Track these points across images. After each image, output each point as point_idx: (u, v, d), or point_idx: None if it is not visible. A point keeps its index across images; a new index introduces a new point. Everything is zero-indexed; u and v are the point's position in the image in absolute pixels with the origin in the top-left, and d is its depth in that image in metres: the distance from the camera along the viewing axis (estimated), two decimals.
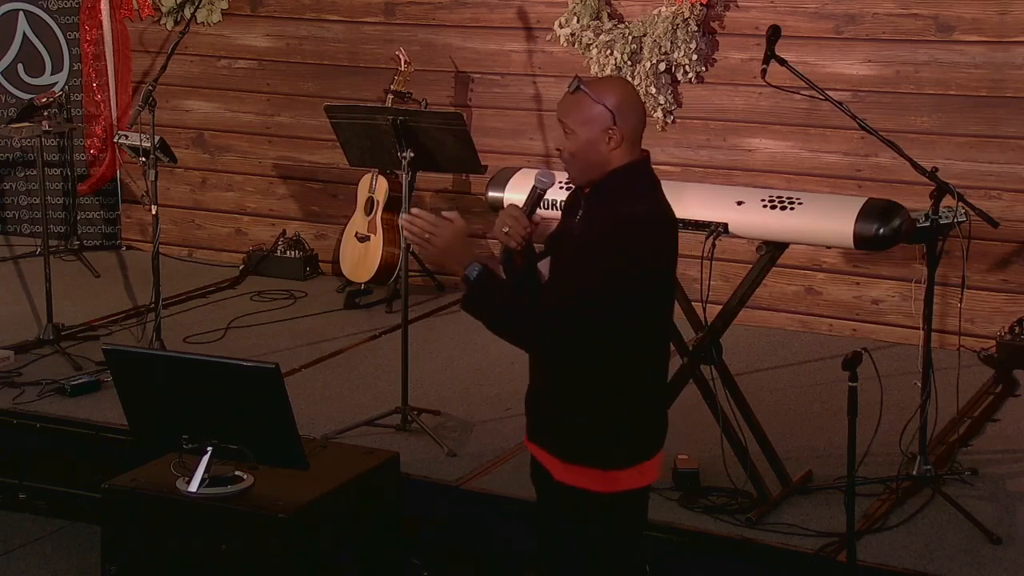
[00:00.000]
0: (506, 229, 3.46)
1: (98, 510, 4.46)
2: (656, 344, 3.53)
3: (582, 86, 3.40)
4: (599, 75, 6.87)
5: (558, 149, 3.45)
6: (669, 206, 3.52)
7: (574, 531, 3.55)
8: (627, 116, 3.42)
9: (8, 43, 8.42)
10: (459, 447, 5.36)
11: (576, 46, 6.97)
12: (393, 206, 7.14)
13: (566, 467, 3.48)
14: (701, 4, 6.65)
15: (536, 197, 3.52)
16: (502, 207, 5.25)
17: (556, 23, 7.02)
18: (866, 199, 4.62)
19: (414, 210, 3.42)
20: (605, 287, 3.29)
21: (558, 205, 4.45)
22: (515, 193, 5.15)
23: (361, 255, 7.30)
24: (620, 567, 3.56)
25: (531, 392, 3.59)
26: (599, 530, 3.52)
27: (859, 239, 4.51)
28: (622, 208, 3.37)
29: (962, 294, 5.66)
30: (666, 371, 3.61)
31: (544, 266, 3.56)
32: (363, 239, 7.29)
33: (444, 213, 3.42)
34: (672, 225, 3.50)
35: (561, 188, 4.32)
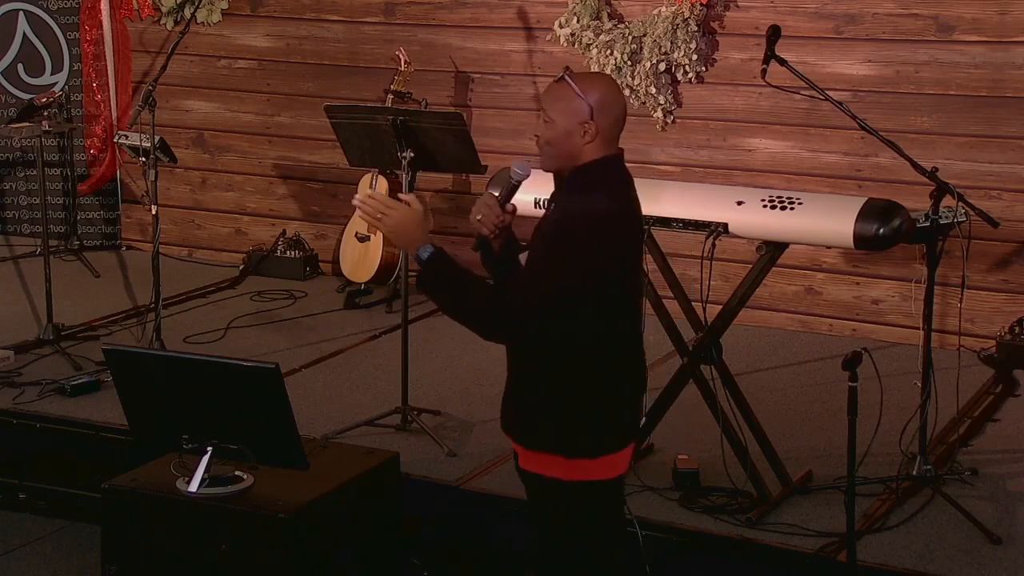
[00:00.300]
0: (479, 217, 3.55)
1: (98, 510, 4.46)
2: (619, 336, 3.56)
3: (567, 77, 3.49)
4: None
5: (535, 136, 3.53)
6: (637, 204, 3.58)
7: (540, 518, 3.63)
8: (605, 113, 3.48)
9: (8, 43, 8.42)
10: (459, 447, 5.36)
11: (576, 46, 6.97)
12: None
13: (529, 454, 3.56)
14: (701, 4, 6.65)
15: (511, 187, 3.58)
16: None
17: (556, 23, 7.02)
18: (866, 199, 4.62)
19: (369, 191, 3.50)
20: (556, 276, 3.38)
21: (541, 204, 4.48)
22: (515, 193, 5.15)
23: (361, 255, 7.30)
24: (592, 558, 3.61)
25: (509, 379, 3.65)
26: (565, 518, 3.58)
27: (859, 239, 4.51)
28: (584, 202, 3.45)
29: (962, 294, 5.66)
30: (636, 364, 3.63)
31: (524, 258, 3.60)
32: (363, 239, 7.29)
33: (401, 196, 3.52)
34: (635, 222, 3.57)
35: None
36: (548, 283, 3.39)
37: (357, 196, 3.51)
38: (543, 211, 3.67)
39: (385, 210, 3.46)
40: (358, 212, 3.50)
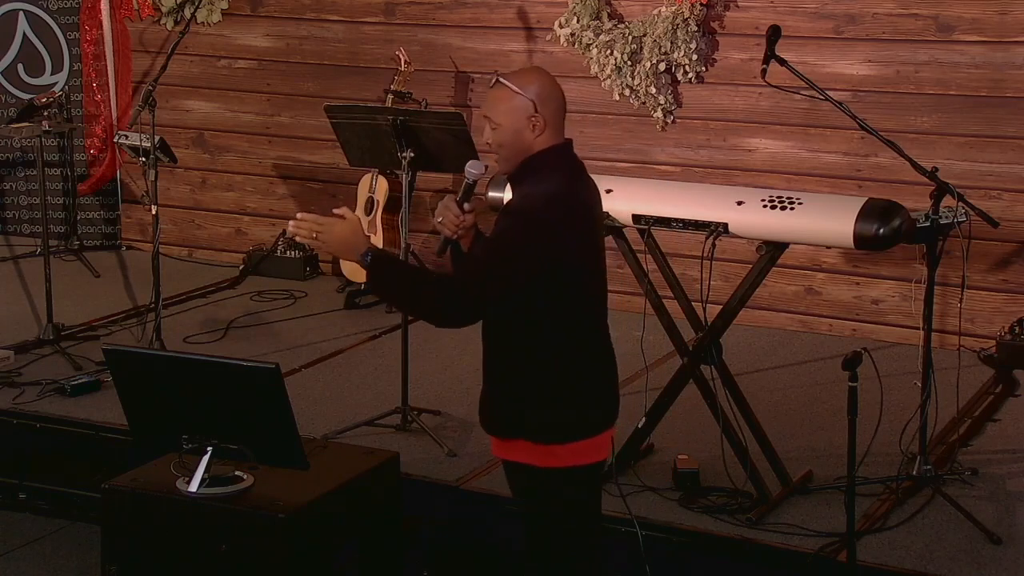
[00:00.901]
0: (439, 219, 3.61)
1: (98, 510, 4.46)
2: (582, 320, 3.61)
3: (501, 79, 3.56)
4: (599, 75, 6.87)
5: (488, 143, 3.59)
6: (589, 188, 3.66)
7: (519, 507, 3.71)
8: (547, 103, 3.56)
9: (8, 43, 8.42)
10: (459, 447, 5.36)
11: (576, 46, 6.97)
12: (393, 206, 7.14)
13: (502, 443, 3.66)
14: (701, 4, 6.64)
15: (467, 187, 3.64)
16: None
17: (556, 23, 7.02)
18: (866, 199, 4.62)
19: (299, 214, 3.56)
20: (508, 258, 3.47)
21: None
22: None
23: None
24: (566, 544, 3.66)
25: (487, 380, 3.73)
26: (540, 505, 3.64)
27: (859, 239, 4.51)
28: (530, 187, 3.54)
29: (962, 294, 5.66)
30: (603, 348, 3.68)
31: None
32: None
33: (334, 210, 3.55)
34: (584, 206, 3.61)
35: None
36: (500, 266, 3.47)
37: (290, 222, 3.55)
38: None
39: (319, 228, 3.51)
40: (294, 237, 3.55)
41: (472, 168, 3.65)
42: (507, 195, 3.79)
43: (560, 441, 3.57)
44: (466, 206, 3.62)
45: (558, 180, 3.55)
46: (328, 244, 3.51)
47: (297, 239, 3.56)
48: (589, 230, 3.61)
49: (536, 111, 3.53)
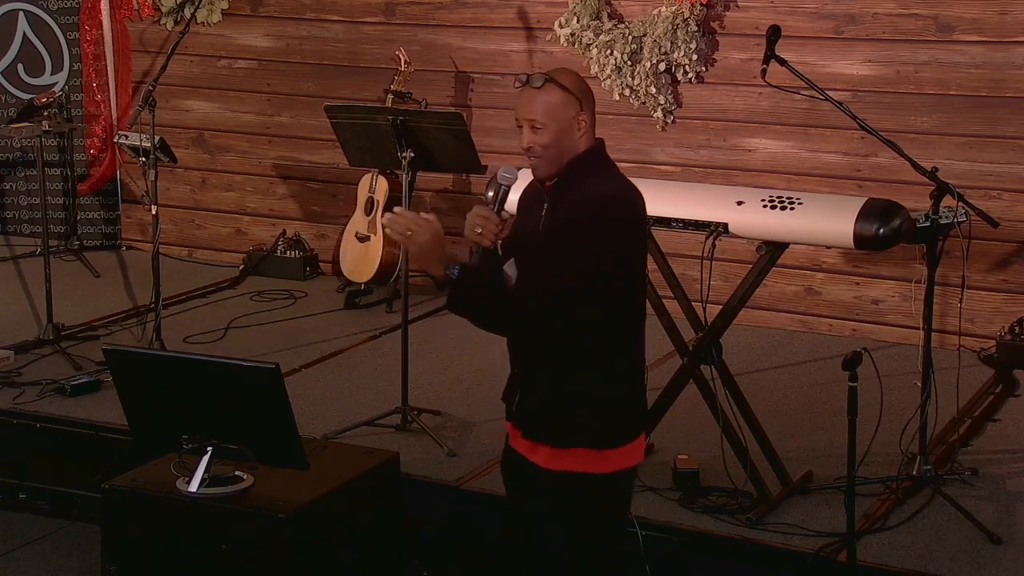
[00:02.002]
0: (479, 230, 3.52)
1: (98, 510, 4.46)
2: (637, 321, 3.60)
3: (550, 78, 3.48)
4: (599, 75, 6.87)
5: (528, 147, 3.50)
6: (635, 188, 3.60)
7: (566, 518, 3.60)
8: (589, 100, 3.54)
9: (8, 43, 8.42)
10: (459, 447, 5.36)
11: (576, 46, 6.97)
12: (393, 206, 7.12)
13: (557, 452, 3.53)
14: (701, 4, 6.64)
15: (503, 194, 3.57)
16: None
17: (556, 23, 7.02)
18: (866, 199, 4.62)
19: (396, 209, 3.48)
20: (587, 265, 3.37)
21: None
22: (515, 193, 5.13)
23: (361, 255, 7.30)
24: (610, 549, 3.62)
25: (514, 384, 3.64)
26: (590, 513, 3.58)
27: (859, 239, 4.51)
28: (594, 188, 3.45)
29: (962, 294, 5.66)
30: (643, 349, 3.66)
31: (511, 268, 3.57)
32: (363, 239, 7.29)
33: (422, 214, 3.46)
34: (642, 201, 3.57)
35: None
36: (577, 273, 3.37)
37: (386, 214, 3.45)
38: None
39: (415, 227, 3.42)
40: (386, 231, 3.45)
41: (506, 173, 3.56)
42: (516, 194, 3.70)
43: (615, 446, 3.53)
44: (503, 214, 3.55)
45: (613, 179, 3.50)
46: (418, 248, 3.41)
47: (387, 232, 3.46)
48: (643, 231, 3.61)
49: (581, 109, 3.48)
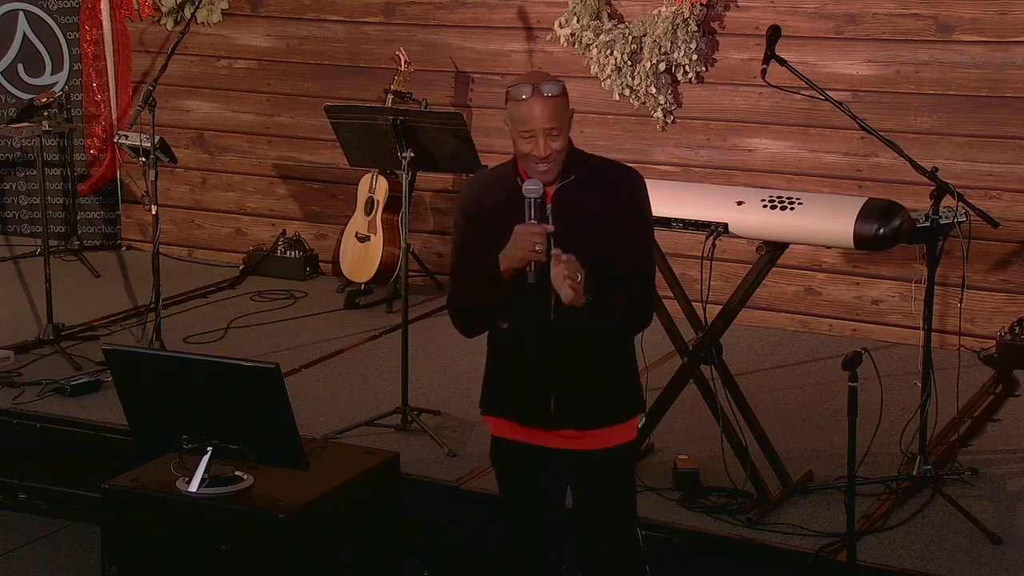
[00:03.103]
0: (538, 247, 3.48)
1: (98, 510, 4.46)
2: None
3: (558, 81, 3.56)
4: (599, 75, 6.87)
5: (548, 154, 3.52)
6: None
7: (621, 488, 3.80)
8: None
9: (8, 43, 8.42)
10: (459, 447, 5.36)
11: (576, 46, 6.97)
12: (393, 206, 7.14)
13: (612, 431, 3.70)
14: (701, 4, 6.64)
15: (537, 205, 3.52)
16: None
17: (556, 23, 7.02)
18: (866, 199, 4.61)
19: (566, 257, 3.44)
20: (651, 240, 3.73)
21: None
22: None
23: (361, 255, 7.30)
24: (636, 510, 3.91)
25: (543, 389, 3.63)
26: (631, 477, 3.85)
27: (859, 239, 4.51)
28: (607, 164, 3.65)
29: (962, 294, 5.66)
30: None
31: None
32: (363, 239, 7.29)
33: (555, 252, 3.47)
34: None
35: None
36: (648, 250, 3.67)
37: (564, 264, 3.43)
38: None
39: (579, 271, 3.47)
40: (564, 284, 3.43)
41: (531, 186, 3.52)
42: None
43: (640, 410, 3.82)
44: (547, 226, 3.51)
45: (601, 157, 3.69)
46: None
47: (567, 280, 3.43)
48: None
49: (569, 109, 3.60)
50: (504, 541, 3.84)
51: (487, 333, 3.73)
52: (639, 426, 3.87)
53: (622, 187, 3.61)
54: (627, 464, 3.81)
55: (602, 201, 3.57)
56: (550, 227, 3.50)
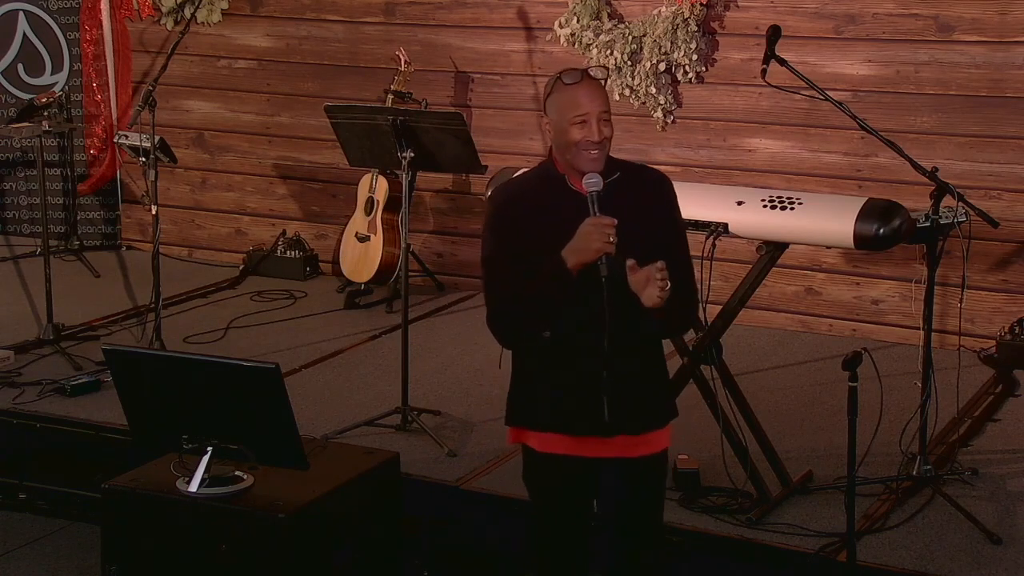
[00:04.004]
0: (611, 238, 3.44)
1: (98, 510, 4.46)
2: None
3: (601, 72, 3.58)
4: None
5: (601, 140, 3.53)
6: None
7: (663, 493, 3.83)
8: None
9: (8, 43, 8.42)
10: (459, 447, 5.36)
11: (576, 46, 6.97)
12: (393, 206, 7.14)
13: (659, 435, 3.71)
14: (701, 4, 6.64)
15: (597, 198, 3.52)
16: None
17: (556, 23, 7.02)
18: (866, 199, 4.61)
19: (659, 266, 3.43)
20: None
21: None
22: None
23: (361, 255, 7.30)
24: None
25: (594, 395, 3.58)
26: (663, 482, 3.84)
27: (859, 239, 4.51)
28: (638, 166, 3.72)
29: (962, 294, 5.66)
30: None
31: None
32: (363, 239, 7.29)
33: (630, 263, 3.46)
34: None
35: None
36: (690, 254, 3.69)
37: (659, 280, 3.42)
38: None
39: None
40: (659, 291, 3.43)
41: (592, 179, 3.51)
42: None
43: (674, 416, 3.79)
44: (613, 219, 3.49)
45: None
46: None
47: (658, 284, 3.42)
48: None
49: None
50: (543, 554, 3.76)
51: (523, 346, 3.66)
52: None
53: (661, 189, 3.67)
54: (666, 469, 3.82)
55: (642, 201, 3.59)
56: (614, 219, 3.46)
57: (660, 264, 3.39)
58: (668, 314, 3.49)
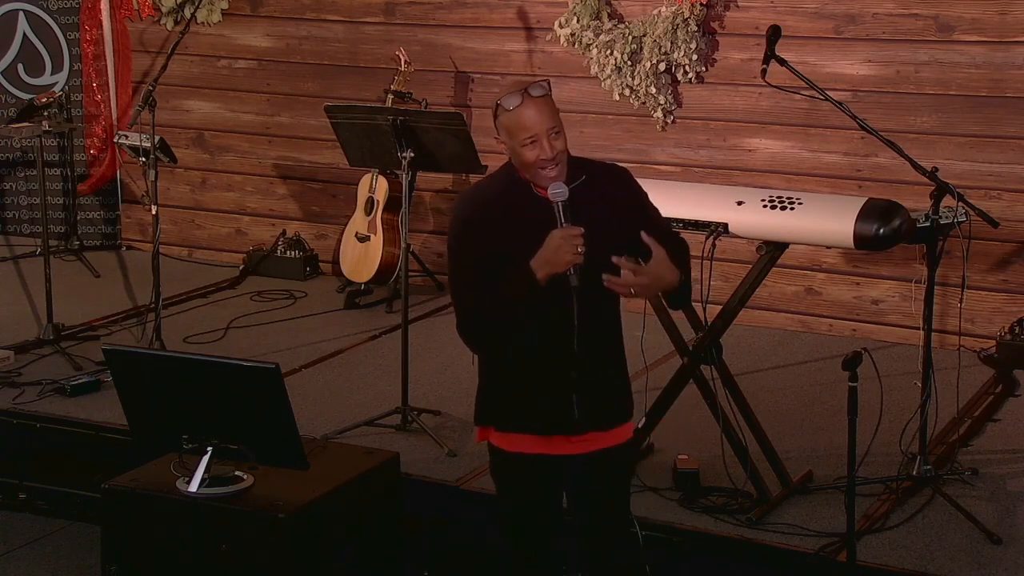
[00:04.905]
0: (580, 249, 3.46)
1: (98, 510, 4.46)
2: None
3: (542, 85, 3.56)
4: (599, 75, 6.87)
5: (554, 155, 3.50)
6: None
7: (626, 483, 3.90)
8: None
9: (8, 43, 8.42)
10: (459, 447, 5.36)
11: (576, 46, 6.97)
12: (393, 206, 7.14)
13: (626, 426, 3.76)
14: (701, 4, 6.64)
15: (564, 208, 3.51)
16: None
17: (556, 23, 7.02)
18: (866, 199, 4.62)
19: (632, 266, 3.49)
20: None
21: None
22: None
23: (361, 255, 7.30)
24: None
25: (564, 393, 3.61)
26: (629, 473, 3.98)
27: (859, 239, 4.51)
28: (600, 164, 3.68)
29: (962, 294, 5.66)
30: None
31: None
32: (363, 239, 7.29)
33: (615, 259, 3.49)
34: None
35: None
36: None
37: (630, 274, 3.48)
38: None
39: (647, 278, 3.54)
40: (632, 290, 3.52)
41: (556, 191, 3.51)
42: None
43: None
44: (579, 228, 3.50)
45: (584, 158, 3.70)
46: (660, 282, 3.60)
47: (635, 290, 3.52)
48: None
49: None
50: (510, 551, 3.80)
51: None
52: (638, 426, 3.93)
53: (621, 182, 3.67)
54: (631, 458, 3.92)
55: (610, 198, 3.60)
56: (581, 228, 3.47)
57: (620, 260, 3.48)
58: (682, 285, 3.63)
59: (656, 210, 3.77)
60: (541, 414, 3.64)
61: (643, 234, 3.51)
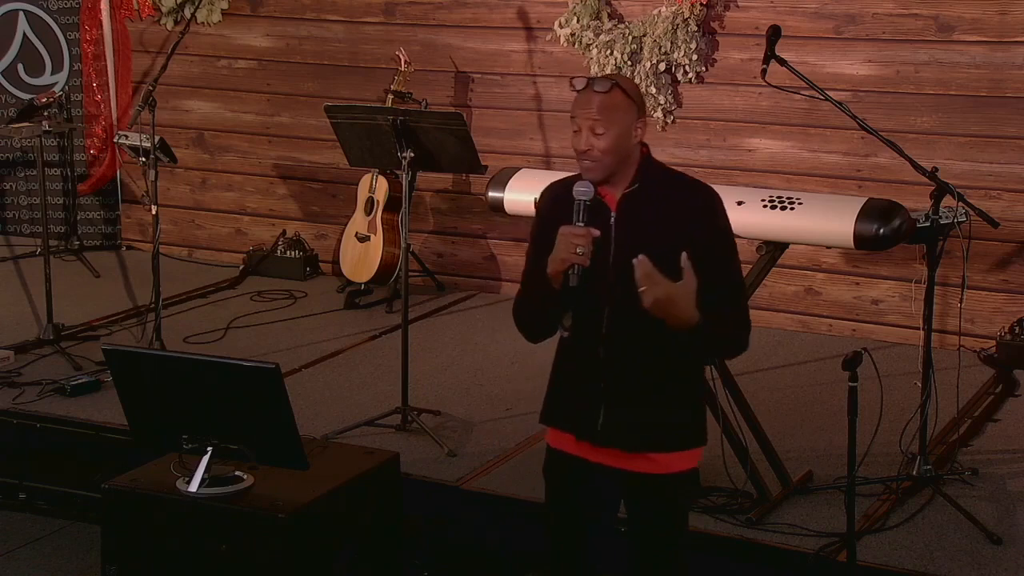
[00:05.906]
0: (580, 250, 3.41)
1: (98, 510, 4.46)
2: None
3: (616, 83, 3.48)
4: (599, 75, 6.86)
5: (586, 150, 3.46)
6: None
7: (670, 517, 3.69)
8: (644, 108, 3.58)
9: (8, 43, 8.42)
10: (459, 447, 5.36)
11: (576, 46, 6.97)
12: (393, 206, 7.14)
13: (672, 457, 3.63)
14: (701, 4, 6.65)
15: (584, 208, 3.47)
16: (502, 207, 5.28)
17: (556, 23, 7.02)
18: (866, 199, 4.62)
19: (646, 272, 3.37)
20: (737, 259, 3.64)
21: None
22: (515, 193, 5.15)
23: (361, 255, 7.30)
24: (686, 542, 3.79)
25: (594, 401, 3.56)
26: (685, 507, 3.75)
27: (859, 239, 4.51)
28: (688, 180, 3.56)
29: (962, 294, 5.65)
30: None
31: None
32: (363, 239, 7.29)
33: (635, 261, 3.39)
34: None
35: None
36: (741, 276, 3.65)
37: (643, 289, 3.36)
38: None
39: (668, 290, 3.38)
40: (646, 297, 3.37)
41: (581, 188, 3.46)
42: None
43: (703, 442, 3.73)
44: (592, 230, 3.45)
45: (677, 171, 3.61)
46: (672, 306, 3.39)
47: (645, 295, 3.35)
48: None
49: (640, 115, 3.50)
50: (549, 550, 3.78)
51: (558, 340, 3.65)
52: (700, 460, 3.72)
53: (696, 202, 3.51)
54: (679, 493, 3.67)
55: (671, 214, 3.48)
56: (596, 231, 3.43)
57: (642, 258, 3.35)
58: (693, 334, 3.44)
59: (729, 254, 3.56)
60: (572, 414, 3.62)
61: (684, 256, 3.36)
